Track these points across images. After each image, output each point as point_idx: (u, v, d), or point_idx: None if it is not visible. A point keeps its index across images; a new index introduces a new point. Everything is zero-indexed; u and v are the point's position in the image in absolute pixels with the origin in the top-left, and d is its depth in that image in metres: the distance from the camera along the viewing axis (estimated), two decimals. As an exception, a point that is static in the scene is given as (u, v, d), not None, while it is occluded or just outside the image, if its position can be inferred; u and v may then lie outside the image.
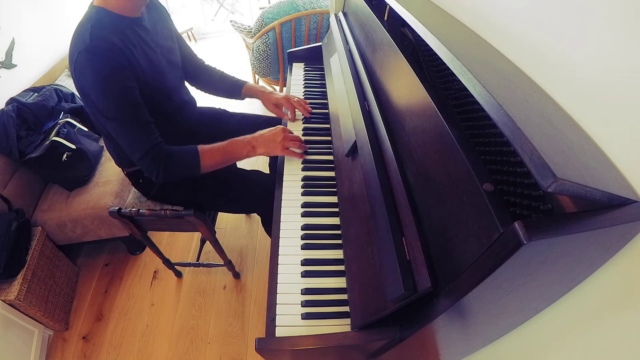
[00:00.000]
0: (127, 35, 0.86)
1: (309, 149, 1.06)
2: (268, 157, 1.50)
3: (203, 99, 1.29)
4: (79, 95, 0.90)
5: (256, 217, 1.82)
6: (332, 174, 0.99)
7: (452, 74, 0.55)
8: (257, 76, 2.42)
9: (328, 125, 1.16)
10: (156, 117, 0.93)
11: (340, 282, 0.75)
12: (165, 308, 1.52)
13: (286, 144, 0.98)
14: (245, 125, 1.29)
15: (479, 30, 0.77)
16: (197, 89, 1.25)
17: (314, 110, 1.23)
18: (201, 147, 0.97)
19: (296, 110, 1.18)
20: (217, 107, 1.35)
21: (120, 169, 1.59)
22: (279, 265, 0.78)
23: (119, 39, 0.83)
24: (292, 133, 1.03)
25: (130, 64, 0.84)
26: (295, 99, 1.19)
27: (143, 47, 0.90)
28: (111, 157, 1.66)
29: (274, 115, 1.28)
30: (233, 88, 1.24)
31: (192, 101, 1.17)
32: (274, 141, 0.98)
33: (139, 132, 0.89)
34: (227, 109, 1.35)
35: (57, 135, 1.48)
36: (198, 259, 1.53)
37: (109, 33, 0.81)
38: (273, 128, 1.01)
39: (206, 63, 1.25)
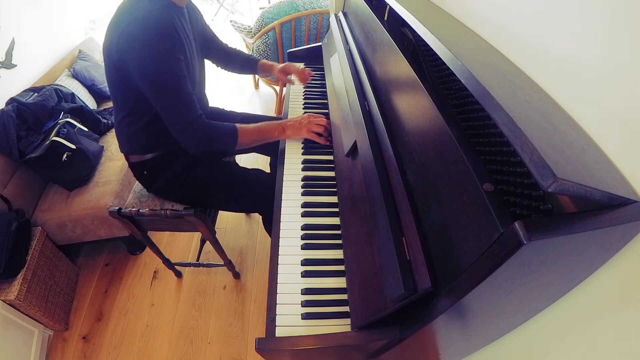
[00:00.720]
0: (174, 18, 0.90)
1: (310, 149, 1.06)
2: (269, 158, 1.50)
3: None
4: (110, 66, 0.92)
5: (256, 217, 1.82)
6: (332, 174, 0.99)
7: (452, 74, 0.55)
8: (257, 76, 2.42)
9: (328, 125, 1.16)
10: None
11: (340, 282, 0.75)
12: (165, 308, 1.52)
13: (311, 127, 1.05)
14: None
15: (479, 30, 0.77)
16: (223, 68, 1.34)
17: (314, 110, 1.23)
18: (239, 126, 1.03)
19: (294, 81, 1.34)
20: (218, 106, 1.35)
21: (120, 168, 1.62)
22: (279, 265, 0.78)
23: (167, 16, 0.87)
24: (320, 118, 1.08)
25: (180, 41, 0.89)
26: (300, 67, 1.32)
27: (184, 33, 0.95)
28: (111, 157, 1.69)
29: (274, 114, 1.29)
30: (251, 65, 1.34)
31: (206, 99, 1.21)
32: (301, 124, 1.06)
33: (185, 101, 0.91)
34: (225, 109, 1.36)
35: (57, 135, 1.48)
36: (198, 259, 1.53)
37: (161, 11, 0.86)
38: (302, 115, 1.10)
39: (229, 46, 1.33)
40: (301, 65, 1.34)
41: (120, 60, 0.86)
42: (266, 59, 2.13)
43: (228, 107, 1.38)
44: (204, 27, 1.16)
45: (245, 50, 2.61)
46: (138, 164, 1.10)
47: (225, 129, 1.01)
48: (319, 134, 1.06)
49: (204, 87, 1.16)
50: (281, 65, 1.32)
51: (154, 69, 0.85)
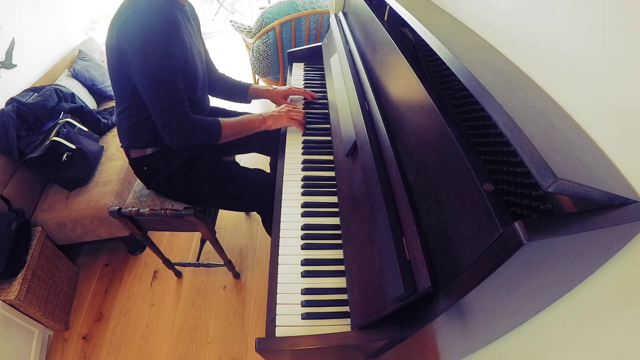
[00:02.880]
0: (176, 13, 0.92)
1: (310, 149, 1.06)
2: (269, 158, 1.50)
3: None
4: (108, 61, 0.94)
5: (256, 217, 1.82)
6: (332, 174, 0.99)
7: (452, 74, 0.55)
8: (257, 76, 2.42)
9: (328, 125, 1.16)
10: None
11: (340, 282, 0.75)
12: (165, 308, 1.52)
13: (291, 114, 1.10)
14: None
15: (478, 30, 0.77)
16: (211, 95, 1.30)
17: (314, 111, 1.23)
18: (222, 120, 1.05)
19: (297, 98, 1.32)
20: (219, 106, 1.35)
21: (120, 168, 1.62)
22: (279, 265, 0.78)
23: (172, 13, 0.89)
24: (298, 108, 1.14)
25: (179, 35, 0.90)
26: (300, 88, 1.31)
27: (185, 30, 0.96)
28: (111, 157, 1.69)
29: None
30: (242, 93, 1.32)
31: (208, 100, 1.22)
32: (280, 113, 1.11)
33: (173, 96, 0.92)
34: (225, 108, 1.35)
35: (57, 135, 1.48)
36: (198, 259, 1.53)
37: (166, 4, 0.88)
38: (281, 106, 1.16)
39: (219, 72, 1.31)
40: (301, 66, 1.34)
41: (120, 49, 0.87)
42: (266, 59, 2.13)
43: (228, 107, 1.38)
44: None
45: (246, 51, 2.61)
46: (138, 159, 1.10)
47: (209, 123, 1.02)
48: (300, 123, 1.11)
49: (206, 87, 1.16)
50: (282, 89, 1.28)
51: (150, 61, 0.86)
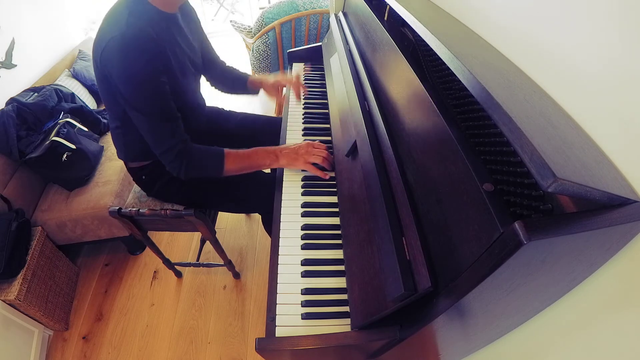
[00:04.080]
0: (162, 29, 0.85)
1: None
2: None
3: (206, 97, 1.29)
4: (95, 81, 0.89)
5: (256, 217, 1.82)
6: (332, 174, 0.99)
7: (452, 74, 0.55)
8: (257, 76, 2.41)
9: (328, 125, 1.16)
10: None
11: (340, 282, 0.75)
12: (165, 308, 1.52)
13: (309, 158, 0.96)
14: (245, 125, 1.29)
15: (479, 30, 0.77)
16: (219, 90, 1.29)
17: (314, 111, 1.23)
18: (227, 151, 0.97)
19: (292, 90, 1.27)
20: (218, 106, 1.35)
21: (120, 168, 1.62)
22: (279, 265, 0.78)
23: (155, 31, 0.81)
24: (320, 148, 0.98)
25: (163, 58, 0.84)
26: (292, 77, 1.26)
27: (174, 44, 0.90)
28: (111, 157, 1.69)
29: (274, 114, 1.28)
30: (245, 85, 1.27)
31: (203, 104, 1.18)
32: (297, 153, 0.97)
33: (167, 127, 0.88)
34: (225, 109, 1.35)
35: (57, 135, 1.48)
36: (198, 259, 1.53)
37: (146, 24, 0.80)
38: (300, 143, 1.01)
39: (226, 64, 1.27)
40: (301, 66, 1.33)
41: (106, 73, 0.82)
42: (266, 59, 2.13)
43: (227, 107, 1.37)
44: (202, 41, 1.12)
45: (246, 51, 2.61)
46: (136, 169, 1.10)
47: (210, 152, 0.96)
48: (319, 166, 0.96)
49: (198, 91, 1.13)
50: (272, 80, 1.25)
51: (135, 96, 0.82)
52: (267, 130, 1.26)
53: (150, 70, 0.80)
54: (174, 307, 1.52)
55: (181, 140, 0.91)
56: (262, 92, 1.31)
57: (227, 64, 1.27)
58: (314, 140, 1.09)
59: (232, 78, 1.26)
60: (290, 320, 0.69)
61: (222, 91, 1.29)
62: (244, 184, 1.15)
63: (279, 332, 0.67)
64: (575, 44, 0.52)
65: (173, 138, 0.90)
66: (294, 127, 1.16)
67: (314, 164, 0.96)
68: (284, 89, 1.30)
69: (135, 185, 1.23)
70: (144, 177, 1.11)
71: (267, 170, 1.31)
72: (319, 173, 0.96)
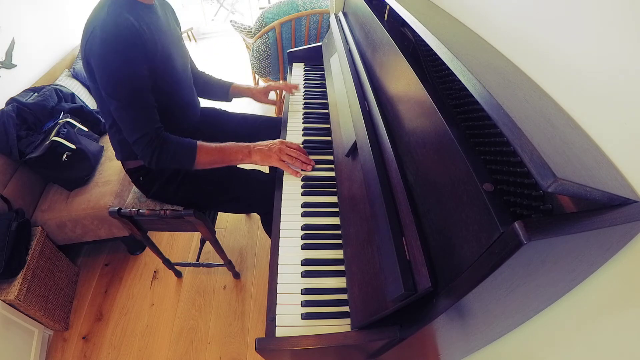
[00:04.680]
0: (142, 17, 0.86)
1: (310, 149, 1.06)
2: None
3: (203, 99, 1.29)
4: (87, 76, 0.90)
5: (256, 217, 1.82)
6: (332, 174, 0.99)
7: (452, 74, 0.55)
8: (257, 76, 2.42)
9: (328, 125, 1.16)
10: (161, 113, 0.94)
11: (340, 282, 0.75)
12: (165, 308, 1.52)
13: (282, 156, 0.97)
14: (245, 125, 1.29)
15: (479, 30, 0.77)
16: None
17: (314, 111, 1.23)
18: (200, 143, 0.98)
19: (283, 92, 1.29)
20: (217, 107, 1.35)
21: (120, 168, 1.62)
22: (279, 265, 0.78)
23: (135, 19, 0.83)
24: (293, 147, 0.99)
25: (144, 45, 0.84)
26: (281, 82, 1.29)
27: (156, 32, 0.91)
28: (111, 157, 1.69)
29: (274, 115, 1.28)
30: (222, 91, 1.28)
31: (197, 103, 1.18)
32: (270, 150, 0.98)
33: (139, 115, 0.89)
34: (226, 110, 1.35)
35: (57, 135, 1.48)
36: (198, 259, 1.53)
37: (123, 12, 0.82)
38: (274, 140, 1.02)
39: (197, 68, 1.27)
40: (301, 67, 1.33)
41: (90, 69, 0.84)
42: (266, 59, 2.13)
43: (227, 107, 1.38)
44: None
45: (246, 51, 2.61)
46: (134, 170, 1.10)
47: (183, 143, 0.96)
48: (289, 163, 0.97)
49: (191, 86, 1.12)
50: (260, 87, 1.28)
51: (109, 82, 0.83)
52: (267, 131, 1.26)
53: (128, 56, 0.81)
54: (174, 307, 1.52)
55: (154, 128, 0.91)
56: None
57: (197, 69, 1.26)
58: (314, 140, 1.10)
59: (202, 81, 1.26)
60: (290, 320, 0.69)
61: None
62: (244, 184, 1.15)
63: (279, 332, 0.67)
64: (575, 44, 0.52)
65: (146, 126, 0.90)
66: (294, 127, 1.16)
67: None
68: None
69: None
70: (141, 178, 1.11)
71: (267, 170, 1.32)
72: (291, 172, 0.97)
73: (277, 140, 1.01)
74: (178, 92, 1.03)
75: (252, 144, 1.00)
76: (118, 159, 1.10)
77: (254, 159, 0.99)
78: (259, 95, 1.28)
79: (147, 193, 1.16)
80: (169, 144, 0.94)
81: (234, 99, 1.33)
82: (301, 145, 1.08)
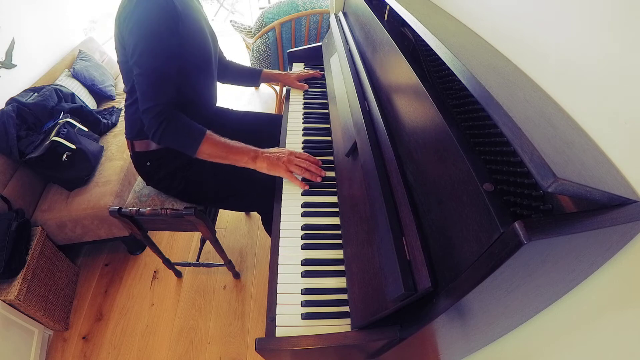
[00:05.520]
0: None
1: (310, 149, 1.06)
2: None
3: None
4: (116, 48, 0.94)
5: (256, 217, 1.82)
6: (332, 174, 0.99)
7: (452, 74, 0.55)
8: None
9: (328, 125, 1.16)
10: (180, 99, 0.96)
11: (340, 282, 0.75)
12: (165, 308, 1.52)
13: (290, 167, 0.94)
14: (247, 122, 1.30)
15: (479, 30, 0.77)
16: (219, 81, 1.29)
17: (314, 111, 1.23)
18: (209, 132, 0.96)
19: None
20: (218, 105, 1.35)
21: (120, 168, 1.62)
22: (279, 265, 0.78)
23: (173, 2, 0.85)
24: (303, 157, 0.96)
25: (178, 18, 0.86)
26: (305, 71, 1.38)
27: (189, 8, 0.92)
28: (111, 157, 1.69)
29: (274, 112, 1.29)
30: (252, 76, 1.34)
31: (214, 98, 1.19)
32: (279, 159, 0.95)
33: (158, 84, 0.89)
34: (232, 109, 1.36)
35: (57, 135, 1.48)
36: (198, 259, 1.53)
37: None
38: (283, 149, 1.00)
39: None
40: (301, 66, 1.34)
41: (122, 37, 0.87)
42: (266, 59, 2.13)
43: (228, 105, 1.38)
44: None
45: (246, 51, 2.61)
46: (142, 153, 1.08)
47: (191, 126, 0.95)
48: (297, 175, 0.94)
49: (215, 79, 1.14)
50: (295, 72, 1.35)
51: (139, 44, 0.85)
52: (268, 128, 1.27)
53: (161, 23, 0.84)
54: (174, 307, 1.52)
55: (168, 102, 0.91)
56: (260, 92, 1.32)
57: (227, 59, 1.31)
58: (314, 140, 1.10)
59: (237, 69, 1.31)
60: (290, 320, 0.69)
61: (222, 81, 1.31)
62: (245, 180, 1.15)
63: (279, 332, 0.67)
64: (575, 43, 0.52)
65: (161, 96, 0.90)
66: (294, 127, 1.15)
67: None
68: (284, 88, 1.36)
69: (135, 184, 1.23)
70: (148, 163, 1.09)
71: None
72: (298, 184, 0.94)
73: (286, 150, 0.98)
74: (201, 78, 1.04)
75: (260, 150, 0.97)
76: (128, 139, 1.09)
77: (259, 166, 0.96)
78: (291, 80, 1.32)
79: (150, 180, 1.14)
80: (178, 122, 0.93)
81: (235, 99, 1.35)
82: (301, 145, 1.08)
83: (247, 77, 1.34)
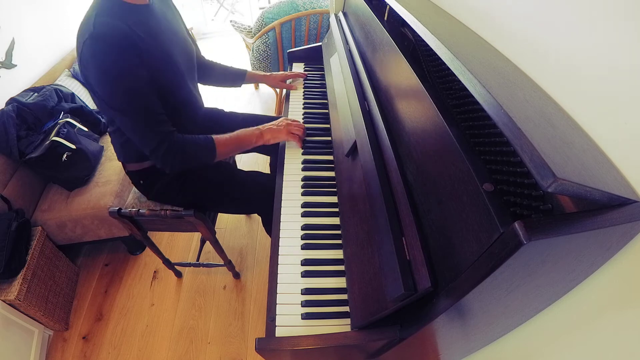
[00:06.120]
0: (133, 20, 0.82)
1: (309, 149, 1.06)
2: (268, 158, 1.50)
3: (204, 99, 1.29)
4: (87, 88, 0.89)
5: (256, 217, 1.82)
6: (332, 174, 0.99)
7: (452, 74, 0.55)
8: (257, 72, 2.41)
9: (328, 125, 1.16)
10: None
11: (340, 282, 0.75)
12: (165, 308, 1.52)
13: (291, 129, 1.05)
14: (248, 124, 1.29)
15: (479, 30, 0.77)
16: (201, 83, 1.27)
17: (314, 111, 1.23)
18: (215, 137, 0.99)
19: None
20: (218, 107, 1.35)
21: (120, 168, 1.62)
22: (279, 265, 0.78)
23: (125, 23, 0.79)
24: (297, 122, 1.09)
25: (137, 49, 0.81)
26: (290, 72, 1.40)
27: (153, 33, 0.87)
28: (111, 157, 1.69)
29: (274, 114, 1.29)
30: (236, 78, 1.33)
31: (199, 103, 1.16)
32: (279, 126, 1.05)
33: (149, 123, 0.86)
34: (223, 109, 1.35)
35: (57, 135, 1.48)
36: (198, 259, 1.53)
37: (112, 19, 0.78)
38: (279, 119, 1.10)
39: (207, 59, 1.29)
40: (301, 66, 1.34)
41: (87, 81, 0.83)
42: (266, 59, 2.14)
43: (227, 108, 1.38)
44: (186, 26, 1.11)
45: (246, 51, 2.61)
46: (134, 172, 1.09)
47: (201, 143, 0.97)
48: (297, 134, 1.07)
49: (195, 82, 1.12)
50: (280, 73, 1.36)
51: (110, 95, 0.81)
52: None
53: (123, 64, 0.78)
54: (174, 307, 1.52)
55: (167, 133, 0.90)
56: (260, 92, 1.33)
57: (207, 59, 1.29)
58: (314, 140, 1.10)
59: (220, 70, 1.30)
60: (290, 321, 0.69)
61: (206, 83, 1.30)
62: (244, 185, 1.15)
63: (279, 332, 0.67)
64: (575, 44, 0.52)
65: (159, 134, 0.88)
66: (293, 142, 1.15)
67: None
68: (289, 81, 1.37)
69: (135, 185, 1.23)
70: (141, 181, 1.11)
71: (267, 170, 1.32)
72: (299, 143, 1.07)
73: (281, 118, 1.11)
74: (181, 91, 1.01)
75: (260, 126, 1.06)
76: (119, 161, 1.10)
77: (266, 138, 1.05)
78: (276, 81, 1.34)
79: (148, 195, 1.16)
80: (186, 146, 0.93)
81: (235, 99, 1.35)
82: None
83: (231, 78, 1.32)
